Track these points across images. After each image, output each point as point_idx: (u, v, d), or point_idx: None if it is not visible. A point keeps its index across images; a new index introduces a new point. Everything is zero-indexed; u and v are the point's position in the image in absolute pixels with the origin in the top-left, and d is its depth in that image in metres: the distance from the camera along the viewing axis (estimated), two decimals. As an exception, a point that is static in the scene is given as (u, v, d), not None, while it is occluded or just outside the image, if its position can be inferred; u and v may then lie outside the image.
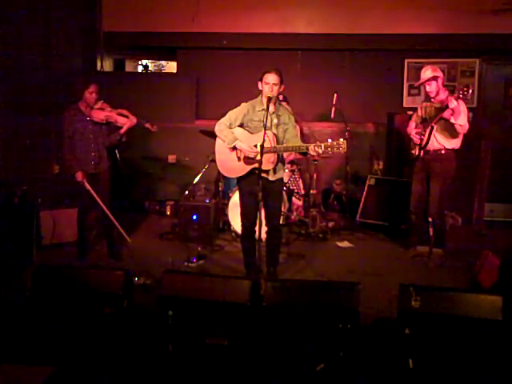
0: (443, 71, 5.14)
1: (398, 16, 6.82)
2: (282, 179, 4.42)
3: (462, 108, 4.67)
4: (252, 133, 4.15)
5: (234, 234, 5.55)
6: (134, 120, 4.73)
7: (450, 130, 4.80)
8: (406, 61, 7.07)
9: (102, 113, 4.66)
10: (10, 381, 2.80)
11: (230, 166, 4.24)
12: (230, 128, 4.16)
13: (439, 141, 4.87)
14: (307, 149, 3.93)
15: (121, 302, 3.18)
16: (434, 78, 4.83)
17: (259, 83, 4.12)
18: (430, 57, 6.90)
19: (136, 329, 3.22)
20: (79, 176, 4.61)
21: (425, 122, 4.94)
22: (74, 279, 3.31)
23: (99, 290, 3.22)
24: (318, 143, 3.87)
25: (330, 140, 3.82)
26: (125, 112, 4.74)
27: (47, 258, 4.77)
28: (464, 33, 6.72)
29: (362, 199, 6.28)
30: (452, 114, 4.63)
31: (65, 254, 4.94)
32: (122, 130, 4.71)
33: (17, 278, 4.19)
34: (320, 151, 3.86)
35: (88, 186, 4.63)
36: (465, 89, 4.47)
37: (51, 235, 5.17)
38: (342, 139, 3.80)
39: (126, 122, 4.69)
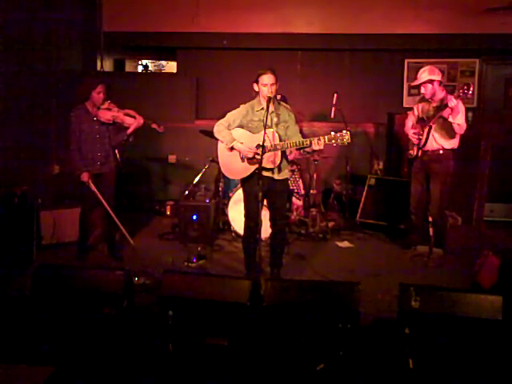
0: (443, 71, 5.11)
1: (398, 16, 6.82)
2: (287, 179, 4.42)
3: (461, 107, 4.66)
4: (253, 133, 4.15)
5: (234, 234, 5.55)
6: (140, 120, 4.71)
7: (448, 130, 4.79)
8: (406, 61, 7.08)
9: (108, 113, 4.65)
10: (10, 381, 2.80)
11: (234, 167, 4.24)
12: (229, 129, 4.16)
13: (437, 141, 4.86)
14: (310, 143, 3.91)
15: (121, 301, 3.18)
16: (430, 82, 4.81)
17: (254, 85, 4.11)
18: (430, 57, 6.90)
19: (136, 329, 3.23)
20: (85, 177, 4.60)
21: (422, 122, 4.92)
22: (74, 279, 3.31)
23: (99, 290, 3.22)
24: (320, 137, 3.86)
25: (332, 132, 3.82)
26: (132, 112, 4.72)
27: (47, 257, 4.77)
28: (464, 33, 6.73)
29: (362, 199, 6.28)
30: (451, 113, 4.62)
31: (65, 253, 4.93)
32: (129, 131, 4.69)
33: (17, 277, 4.19)
34: (322, 144, 3.85)
35: (93, 187, 4.63)
36: (465, 87, 4.45)
37: (51, 235, 5.17)
38: (344, 130, 3.79)
39: (132, 122, 4.68)
